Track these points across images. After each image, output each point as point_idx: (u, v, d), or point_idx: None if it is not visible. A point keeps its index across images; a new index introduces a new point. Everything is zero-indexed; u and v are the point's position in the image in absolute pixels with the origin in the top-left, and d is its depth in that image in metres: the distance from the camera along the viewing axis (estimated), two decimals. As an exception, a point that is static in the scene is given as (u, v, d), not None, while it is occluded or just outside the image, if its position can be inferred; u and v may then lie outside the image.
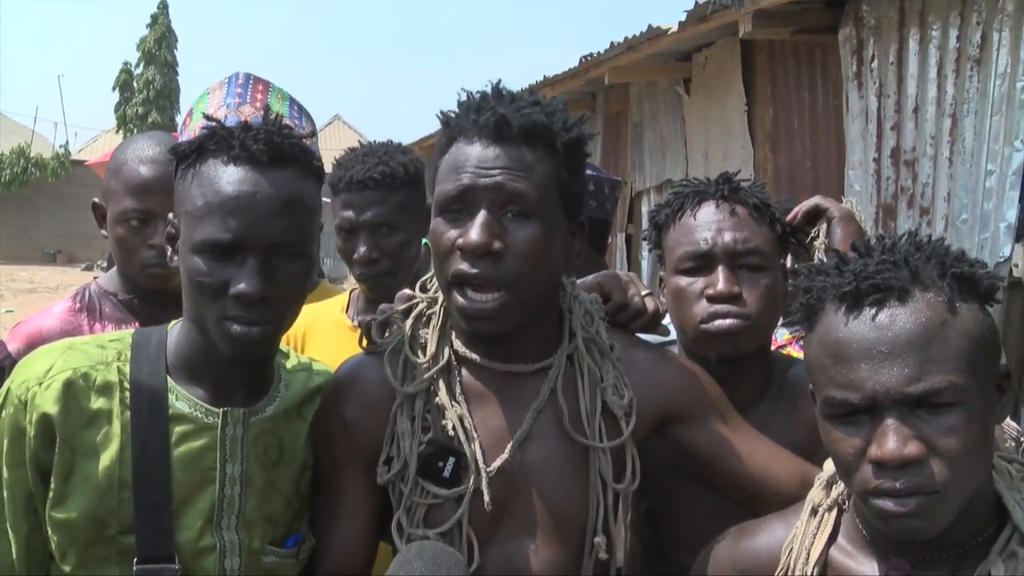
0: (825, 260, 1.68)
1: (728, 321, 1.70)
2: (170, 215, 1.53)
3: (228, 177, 1.44)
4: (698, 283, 1.73)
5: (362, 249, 2.29)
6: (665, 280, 1.81)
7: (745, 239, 1.73)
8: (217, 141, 1.46)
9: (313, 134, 1.59)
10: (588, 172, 2.64)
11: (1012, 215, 4.62)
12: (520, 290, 1.44)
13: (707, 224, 1.75)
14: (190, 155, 1.48)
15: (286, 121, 1.52)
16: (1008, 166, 4.62)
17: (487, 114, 1.45)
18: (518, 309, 1.45)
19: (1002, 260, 4.60)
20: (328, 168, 2.48)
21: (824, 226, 1.88)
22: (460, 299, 1.45)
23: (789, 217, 1.86)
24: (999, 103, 4.63)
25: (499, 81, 1.52)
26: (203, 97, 1.60)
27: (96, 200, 2.16)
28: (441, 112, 1.52)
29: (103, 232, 2.15)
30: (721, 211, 1.75)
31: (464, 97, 1.51)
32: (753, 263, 1.73)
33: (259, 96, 1.56)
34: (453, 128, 1.48)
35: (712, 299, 1.71)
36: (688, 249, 1.75)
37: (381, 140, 2.46)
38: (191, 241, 1.45)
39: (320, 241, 1.56)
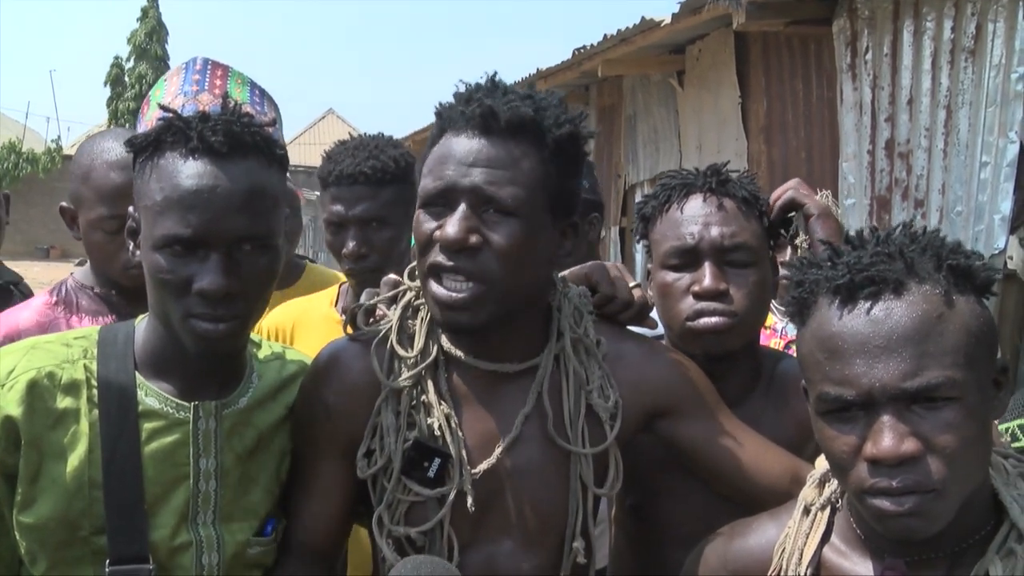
0: (809, 255, 1.66)
1: (714, 319, 1.66)
2: (130, 208, 1.49)
3: (187, 171, 1.40)
4: (684, 279, 1.69)
5: (351, 244, 2.27)
6: (652, 273, 1.78)
7: (732, 234, 1.69)
8: (174, 133, 1.42)
9: (275, 121, 1.55)
10: None
11: (1006, 207, 4.60)
12: (495, 285, 1.41)
13: (693, 218, 1.70)
14: (147, 148, 1.44)
15: (247, 108, 1.48)
16: (1003, 158, 4.60)
17: (475, 106, 1.42)
18: (492, 303, 1.42)
19: (996, 252, 4.59)
20: (320, 159, 2.45)
21: (803, 223, 1.83)
22: (435, 287, 1.42)
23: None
24: (994, 95, 4.62)
25: (495, 73, 1.49)
26: (160, 85, 1.55)
27: (64, 204, 2.13)
28: (439, 103, 1.50)
29: (74, 234, 2.12)
30: (708, 205, 1.71)
31: (462, 89, 1.48)
32: (740, 259, 1.69)
33: (218, 83, 1.51)
34: (444, 120, 1.47)
35: (698, 296, 1.67)
36: (674, 244, 1.71)
37: (372, 133, 2.43)
38: (152, 237, 1.41)
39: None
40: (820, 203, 1.80)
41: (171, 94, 1.50)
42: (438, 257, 1.41)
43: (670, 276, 1.71)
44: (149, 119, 1.49)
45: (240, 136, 1.42)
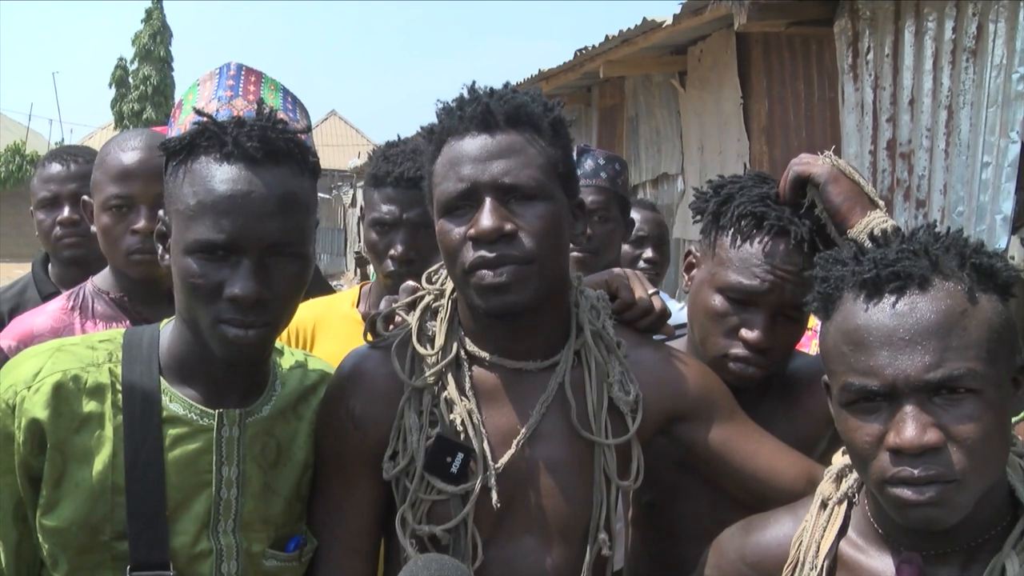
0: (828, 227, 1.66)
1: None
2: (160, 212, 1.49)
3: (221, 176, 1.39)
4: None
5: (399, 247, 2.28)
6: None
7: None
8: (209, 138, 1.41)
9: (308, 128, 1.55)
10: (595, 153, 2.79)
11: (1008, 207, 4.61)
12: (535, 264, 1.44)
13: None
14: (181, 152, 1.43)
15: (280, 115, 1.47)
16: (1004, 158, 4.61)
17: (472, 106, 1.47)
18: (535, 281, 1.45)
19: (998, 252, 4.60)
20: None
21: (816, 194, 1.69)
22: (478, 279, 1.44)
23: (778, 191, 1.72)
24: (995, 95, 4.62)
25: (474, 82, 1.54)
26: (193, 89, 1.54)
27: (85, 197, 2.19)
28: (421, 127, 1.54)
29: (92, 228, 2.15)
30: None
31: (441, 106, 1.52)
32: None
33: (252, 88, 1.51)
34: (440, 132, 1.50)
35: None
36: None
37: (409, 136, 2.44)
38: (184, 241, 1.40)
39: (315, 237, 1.53)
40: (827, 168, 1.68)
41: (205, 99, 1.49)
42: (478, 252, 1.43)
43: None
44: (182, 123, 1.48)
45: (275, 143, 1.41)
